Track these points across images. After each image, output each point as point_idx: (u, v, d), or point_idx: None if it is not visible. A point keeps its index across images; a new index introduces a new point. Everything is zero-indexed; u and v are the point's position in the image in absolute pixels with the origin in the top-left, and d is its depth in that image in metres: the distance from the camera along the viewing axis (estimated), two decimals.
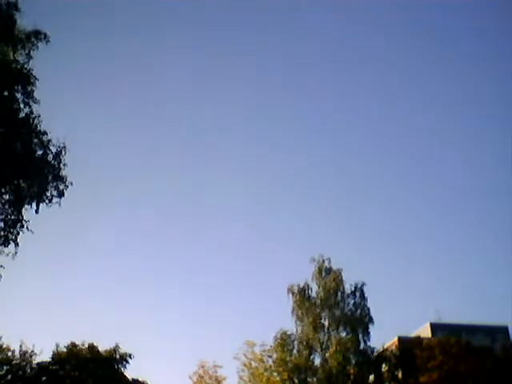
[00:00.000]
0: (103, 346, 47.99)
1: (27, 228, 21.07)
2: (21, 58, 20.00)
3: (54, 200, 21.59)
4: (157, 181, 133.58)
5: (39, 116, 20.40)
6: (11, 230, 20.88)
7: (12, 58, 19.61)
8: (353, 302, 46.64)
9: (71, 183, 21.44)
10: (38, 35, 20.03)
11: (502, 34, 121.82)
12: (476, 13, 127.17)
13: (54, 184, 21.40)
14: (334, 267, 47.88)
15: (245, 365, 45.99)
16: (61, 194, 21.60)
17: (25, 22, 19.84)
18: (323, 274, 47.47)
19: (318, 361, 45.35)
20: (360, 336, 45.43)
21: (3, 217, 20.94)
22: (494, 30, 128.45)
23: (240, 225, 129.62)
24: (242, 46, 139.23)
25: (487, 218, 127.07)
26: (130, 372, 48.39)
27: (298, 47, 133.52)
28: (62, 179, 21.30)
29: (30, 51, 19.99)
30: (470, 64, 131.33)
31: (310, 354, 45.19)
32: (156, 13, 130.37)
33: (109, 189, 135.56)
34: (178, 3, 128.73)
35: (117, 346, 47.75)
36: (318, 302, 46.52)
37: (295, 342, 45.56)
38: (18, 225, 21.01)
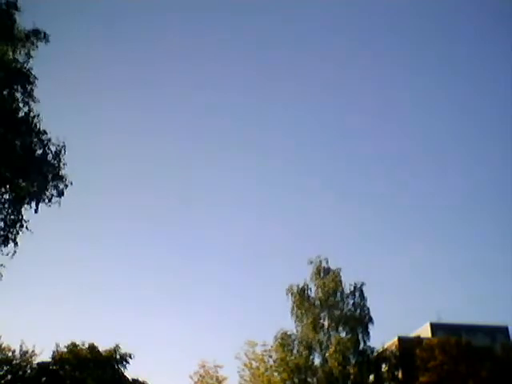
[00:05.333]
0: (103, 346, 48.22)
1: (27, 228, 21.04)
2: (20, 58, 20.02)
3: (54, 199, 21.58)
4: (156, 181, 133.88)
5: (39, 115, 20.40)
6: (11, 230, 20.84)
7: (11, 57, 19.61)
8: (352, 301, 46.63)
9: (71, 183, 21.43)
10: (37, 34, 20.02)
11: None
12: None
13: (54, 183, 21.38)
14: (333, 267, 47.98)
15: (246, 365, 46.07)
16: (60, 194, 21.59)
17: (24, 21, 19.89)
18: (321, 274, 47.46)
19: (317, 361, 45.42)
20: (360, 336, 45.41)
21: (3, 216, 20.89)
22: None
23: (240, 225, 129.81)
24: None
25: (487, 217, 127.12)
26: (130, 372, 48.60)
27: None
28: (62, 178, 21.29)
29: (29, 51, 20.00)
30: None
31: (310, 354, 45.17)
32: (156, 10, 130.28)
33: (110, 190, 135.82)
34: None
35: (117, 346, 47.92)
36: (318, 302, 46.51)
37: (295, 342, 45.55)
38: (18, 224, 20.97)
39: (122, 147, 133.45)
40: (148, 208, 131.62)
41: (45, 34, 20.20)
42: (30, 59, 20.08)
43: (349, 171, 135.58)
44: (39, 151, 20.97)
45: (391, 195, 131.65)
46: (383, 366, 46.93)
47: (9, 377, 45.04)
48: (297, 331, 46.05)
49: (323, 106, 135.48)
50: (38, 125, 20.58)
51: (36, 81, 20.06)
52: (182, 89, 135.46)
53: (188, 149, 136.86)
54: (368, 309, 46.63)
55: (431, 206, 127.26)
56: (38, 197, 21.18)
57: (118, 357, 47.42)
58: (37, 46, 20.13)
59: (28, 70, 20.01)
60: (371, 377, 46.08)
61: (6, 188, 20.95)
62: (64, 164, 20.98)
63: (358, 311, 46.44)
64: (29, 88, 19.97)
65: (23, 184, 21.19)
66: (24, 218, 21.10)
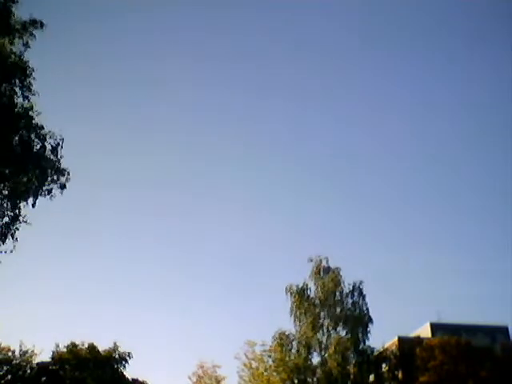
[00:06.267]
0: (103, 346, 48.28)
1: (25, 222, 21.10)
2: (18, 49, 20.03)
3: (56, 192, 21.64)
4: (156, 182, 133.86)
5: (33, 107, 20.46)
6: (10, 226, 20.90)
7: (9, 50, 19.65)
8: (351, 301, 46.37)
9: (68, 173, 21.51)
10: (34, 24, 20.04)
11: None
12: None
13: (55, 177, 21.46)
14: (333, 266, 47.86)
15: (245, 365, 45.89)
16: (62, 187, 21.70)
17: (22, 14, 19.94)
18: (321, 273, 47.27)
19: (317, 361, 45.25)
20: (359, 335, 45.18)
21: (1, 212, 20.95)
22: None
23: (239, 225, 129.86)
24: None
25: (487, 217, 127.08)
26: (129, 372, 48.63)
27: None
28: (62, 172, 21.38)
29: (27, 41, 20.04)
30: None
31: (309, 353, 44.95)
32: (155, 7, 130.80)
33: (110, 187, 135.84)
34: None
35: (115, 344, 47.95)
36: (317, 301, 46.28)
37: (294, 342, 45.37)
38: (17, 220, 21.03)
39: (121, 145, 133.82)
40: (148, 205, 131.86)
41: (41, 22, 20.23)
42: (28, 50, 20.18)
43: (349, 170, 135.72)
44: (37, 146, 21.05)
45: (392, 195, 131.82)
46: (383, 365, 46.81)
47: (9, 377, 45.12)
48: (296, 331, 45.95)
49: (324, 103, 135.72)
50: (35, 120, 20.69)
51: (33, 73, 20.12)
52: (181, 86, 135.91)
53: (189, 147, 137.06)
54: (367, 308, 46.42)
55: (431, 206, 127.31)
56: (36, 191, 21.24)
57: (117, 356, 47.45)
58: (34, 36, 20.19)
59: (25, 63, 20.04)
60: (371, 377, 45.89)
61: (4, 184, 20.99)
62: (61, 156, 21.07)
63: (358, 311, 46.20)
64: (27, 81, 20.03)
65: (22, 179, 21.24)
66: (22, 213, 21.17)
